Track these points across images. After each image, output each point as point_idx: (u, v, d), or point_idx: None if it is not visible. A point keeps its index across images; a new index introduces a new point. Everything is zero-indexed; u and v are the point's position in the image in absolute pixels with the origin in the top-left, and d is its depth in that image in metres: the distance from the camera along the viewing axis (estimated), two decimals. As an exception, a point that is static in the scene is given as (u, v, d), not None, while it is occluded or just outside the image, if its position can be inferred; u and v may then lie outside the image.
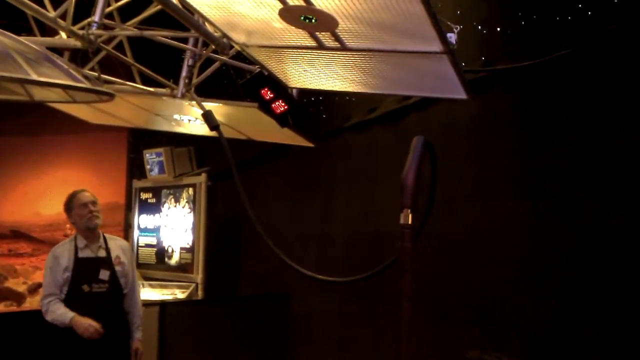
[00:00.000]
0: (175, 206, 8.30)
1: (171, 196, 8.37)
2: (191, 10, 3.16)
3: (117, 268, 4.23)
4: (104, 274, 4.16)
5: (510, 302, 4.29)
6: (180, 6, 3.34)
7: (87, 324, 3.91)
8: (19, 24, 4.85)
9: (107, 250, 4.25)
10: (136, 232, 8.82)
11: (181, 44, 4.62)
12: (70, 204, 4.22)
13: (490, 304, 4.44)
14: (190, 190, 8.09)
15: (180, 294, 7.60)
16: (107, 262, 4.22)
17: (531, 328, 4.13)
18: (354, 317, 5.98)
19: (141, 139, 8.99)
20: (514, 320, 4.24)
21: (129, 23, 4.41)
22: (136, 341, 4.28)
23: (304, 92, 5.15)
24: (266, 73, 4.33)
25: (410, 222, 2.71)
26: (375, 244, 5.63)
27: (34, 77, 3.01)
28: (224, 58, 4.60)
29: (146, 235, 8.71)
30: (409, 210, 2.72)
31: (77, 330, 3.91)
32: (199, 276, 7.71)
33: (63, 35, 4.19)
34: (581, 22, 3.88)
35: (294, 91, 4.66)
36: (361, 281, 4.00)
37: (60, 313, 3.98)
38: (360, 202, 5.97)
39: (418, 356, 5.12)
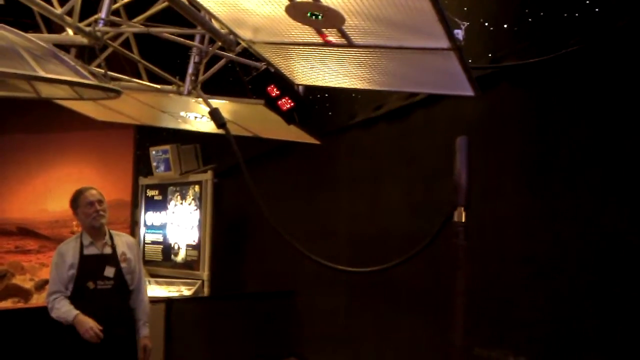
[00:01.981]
0: (181, 203, 8.32)
1: (177, 193, 8.38)
2: (198, 7, 3.16)
3: (123, 265, 4.22)
4: (109, 271, 4.15)
5: (517, 300, 4.28)
6: (186, 3, 3.34)
7: (89, 326, 3.90)
8: (26, 21, 4.86)
9: (113, 247, 4.24)
10: (142, 229, 8.83)
11: (188, 41, 4.62)
12: (77, 201, 4.21)
13: (496, 301, 4.43)
14: (197, 188, 8.10)
15: (186, 291, 7.61)
16: (112, 259, 4.20)
17: (537, 326, 4.12)
18: (359, 313, 5.97)
19: (147, 136, 9.00)
20: (520, 318, 4.23)
21: (135, 20, 4.42)
22: (144, 338, 4.27)
23: (310, 90, 5.15)
24: (272, 70, 4.33)
25: (464, 220, 2.73)
26: (380, 240, 5.62)
27: (41, 73, 3.01)
28: (230, 55, 4.60)
29: (152, 233, 8.73)
30: (463, 209, 2.73)
31: (79, 330, 3.91)
32: (205, 273, 7.72)
33: (70, 32, 4.20)
34: (589, 19, 3.86)
35: (300, 88, 4.66)
36: (387, 270, 3.99)
37: (64, 310, 3.98)
38: (366, 199, 5.96)
39: (424, 353, 5.13)
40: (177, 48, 4.74)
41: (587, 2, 3.85)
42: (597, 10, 3.81)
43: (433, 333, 5.03)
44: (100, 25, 4.10)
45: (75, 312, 3.95)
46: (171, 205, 8.49)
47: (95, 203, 4.17)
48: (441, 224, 3.26)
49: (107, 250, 4.22)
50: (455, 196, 2.73)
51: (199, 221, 7.96)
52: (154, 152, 8.56)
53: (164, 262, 8.46)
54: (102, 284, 4.11)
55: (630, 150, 3.62)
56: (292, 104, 4.57)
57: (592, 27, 3.83)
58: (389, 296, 5.55)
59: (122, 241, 4.33)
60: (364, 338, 5.88)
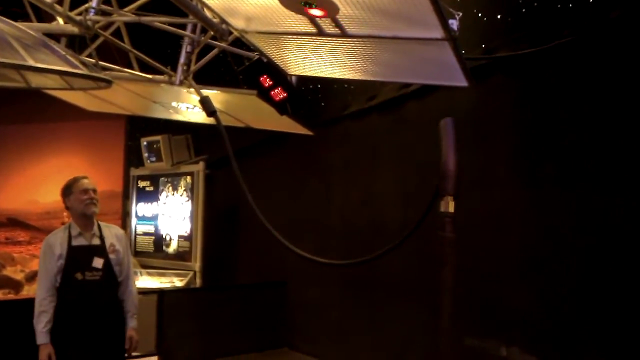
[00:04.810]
0: (173, 194, 8.29)
1: (169, 184, 8.35)
2: (190, -5, 3.13)
3: (112, 256, 4.19)
4: (98, 262, 4.12)
5: (509, 290, 4.29)
6: (178, -9, 3.31)
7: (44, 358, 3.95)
8: (15, 9, 4.80)
9: (102, 238, 4.21)
10: (134, 220, 8.80)
11: (179, 30, 4.58)
12: (70, 188, 4.17)
13: (488, 292, 4.44)
14: (188, 179, 8.07)
15: (178, 282, 7.60)
16: (101, 250, 4.17)
17: (529, 316, 4.13)
18: (351, 303, 5.98)
19: (138, 127, 8.95)
20: (513, 309, 4.24)
21: (126, 9, 4.37)
22: (131, 329, 4.26)
23: (303, 80, 5.12)
24: (265, 60, 4.30)
25: (452, 210, 2.50)
26: (373, 231, 5.62)
27: (31, 63, 2.98)
28: (222, 44, 4.56)
29: (144, 224, 8.69)
30: (451, 198, 2.51)
31: (39, 355, 3.95)
32: (196, 264, 7.71)
33: (60, 21, 4.15)
34: (582, 10, 3.86)
35: (293, 78, 4.63)
36: (361, 264, 3.97)
37: (38, 329, 3.98)
38: (359, 189, 5.95)
39: (417, 343, 5.14)
40: (168, 37, 4.70)
41: (581, -8, 3.85)
42: (590, 1, 3.81)
43: (425, 323, 5.04)
44: (91, 14, 4.06)
45: (43, 339, 3.96)
46: (162, 196, 8.45)
47: (90, 191, 4.15)
48: (422, 215, 3.13)
49: (96, 241, 4.19)
50: (443, 184, 2.51)
51: (191, 212, 7.94)
52: (145, 143, 8.52)
53: (155, 253, 8.43)
54: (90, 275, 4.08)
55: (624, 141, 3.62)
56: (284, 95, 4.55)
57: (585, 18, 3.82)
58: (381, 286, 5.55)
59: (111, 233, 4.30)
60: (356, 328, 5.89)
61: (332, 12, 2.87)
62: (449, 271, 2.44)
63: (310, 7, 2.84)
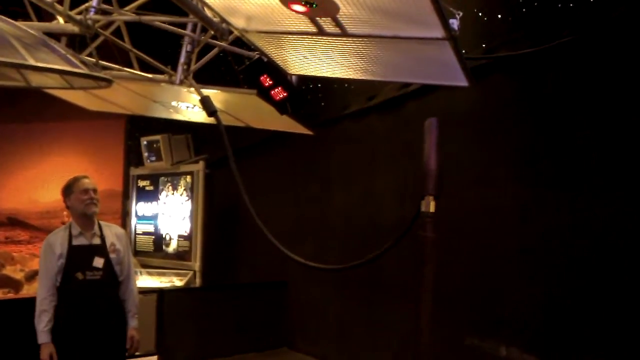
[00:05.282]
0: (173, 194, 8.28)
1: (169, 184, 8.34)
2: (190, -6, 3.13)
3: (112, 255, 4.19)
4: (98, 262, 4.11)
5: (509, 289, 4.29)
6: (179, -9, 3.31)
7: (45, 356, 3.94)
8: (15, 9, 4.80)
9: (102, 237, 4.21)
10: (134, 220, 8.79)
11: (179, 30, 4.58)
12: (71, 187, 4.16)
13: (488, 290, 4.44)
14: (188, 178, 8.06)
15: (178, 282, 7.60)
16: (101, 249, 4.17)
17: (529, 315, 4.13)
18: (351, 303, 5.98)
19: (138, 126, 8.95)
20: (512, 307, 4.24)
21: (127, 8, 4.37)
22: (132, 329, 4.26)
23: (303, 80, 5.12)
24: (266, 59, 4.30)
25: (432, 210, 2.50)
26: (373, 230, 5.62)
27: (31, 62, 2.97)
28: (223, 44, 4.56)
29: (144, 223, 8.69)
30: (432, 198, 2.51)
31: (40, 354, 3.95)
32: (196, 264, 7.71)
33: (60, 20, 4.15)
34: (583, 10, 3.85)
35: (293, 78, 4.63)
36: (354, 268, 3.97)
37: (39, 328, 3.98)
38: (358, 189, 5.95)
39: (414, 342, 5.11)
40: (169, 37, 4.70)
41: (582, -8, 3.85)
42: (591, 0, 3.81)
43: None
44: (91, 13, 4.06)
45: (44, 339, 3.96)
46: (162, 195, 8.45)
47: (90, 191, 4.14)
48: (412, 218, 3.12)
49: (96, 240, 4.18)
50: (424, 184, 2.52)
51: (191, 212, 7.94)
52: (145, 142, 8.52)
53: (155, 252, 8.43)
54: (91, 274, 4.08)
55: (624, 140, 3.62)
56: (285, 94, 4.54)
57: (586, 17, 3.82)
58: (381, 286, 5.55)
59: (111, 232, 4.30)
60: (356, 327, 5.89)
61: (332, 11, 2.87)
62: (429, 271, 2.47)
63: (311, 7, 2.84)
